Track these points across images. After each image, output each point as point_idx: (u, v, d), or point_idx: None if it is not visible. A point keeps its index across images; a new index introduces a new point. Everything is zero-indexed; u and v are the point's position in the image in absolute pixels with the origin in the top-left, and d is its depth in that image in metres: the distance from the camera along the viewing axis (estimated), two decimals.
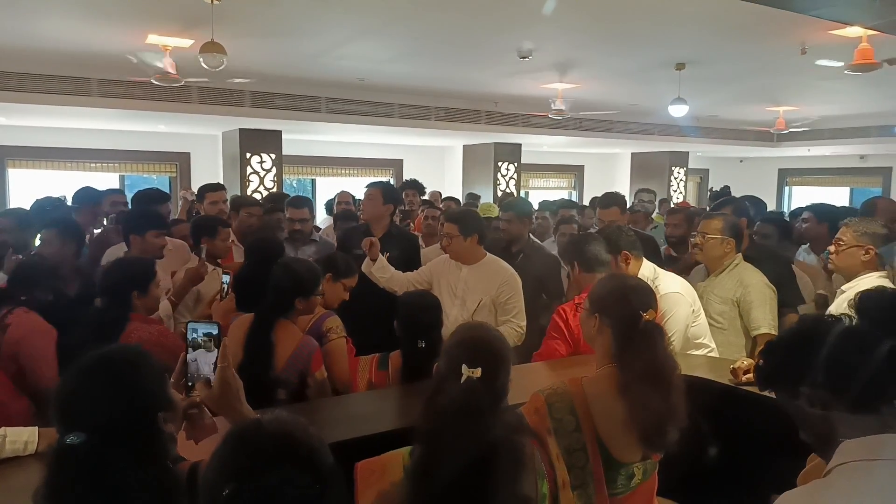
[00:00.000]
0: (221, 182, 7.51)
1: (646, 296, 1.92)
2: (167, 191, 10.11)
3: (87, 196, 4.97)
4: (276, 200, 5.40)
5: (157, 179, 10.30)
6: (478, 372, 1.49)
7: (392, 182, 12.00)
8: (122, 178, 9.94)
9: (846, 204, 14.05)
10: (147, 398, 1.30)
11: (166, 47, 5.71)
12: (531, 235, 4.69)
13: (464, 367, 1.48)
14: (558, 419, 1.79)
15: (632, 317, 1.85)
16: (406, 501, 1.40)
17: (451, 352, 1.60)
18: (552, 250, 4.78)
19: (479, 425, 1.41)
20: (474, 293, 3.37)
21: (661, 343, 1.88)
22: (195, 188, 9.46)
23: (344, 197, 6.32)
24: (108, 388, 1.27)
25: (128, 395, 1.27)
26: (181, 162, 10.19)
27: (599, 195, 5.43)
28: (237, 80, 5.41)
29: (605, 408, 1.81)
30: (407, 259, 4.12)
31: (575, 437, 1.78)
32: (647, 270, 3.19)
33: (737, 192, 8.57)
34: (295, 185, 11.60)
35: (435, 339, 2.60)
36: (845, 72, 5.64)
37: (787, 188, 15.24)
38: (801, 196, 14.56)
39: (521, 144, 11.25)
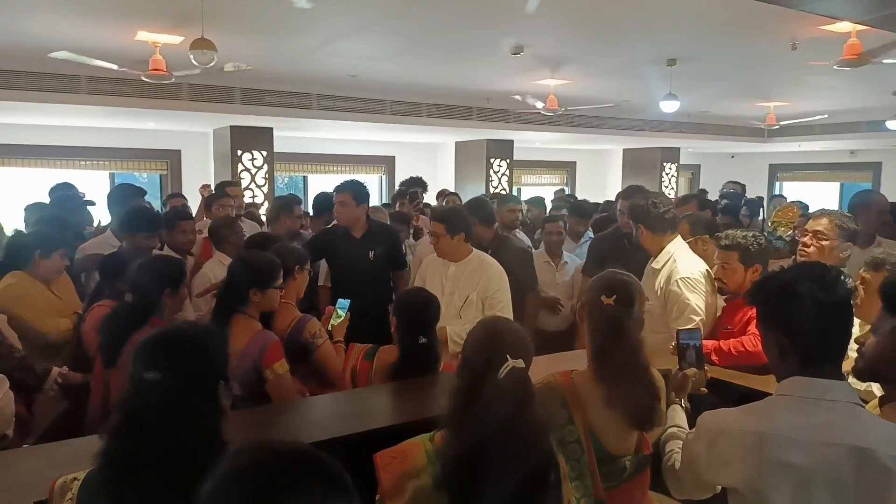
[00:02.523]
0: (213, 180, 7.49)
1: (612, 283, 1.94)
2: (158, 189, 10.10)
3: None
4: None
5: (148, 177, 10.25)
6: (521, 363, 1.55)
7: (385, 179, 12.01)
8: (112, 176, 9.88)
9: (836, 199, 14.17)
10: (219, 365, 1.50)
11: (156, 44, 5.68)
12: (499, 230, 4.58)
13: (508, 357, 1.55)
14: (551, 413, 1.80)
15: (598, 304, 1.89)
16: (444, 488, 1.50)
17: (487, 344, 1.62)
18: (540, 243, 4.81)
19: (530, 413, 1.53)
20: (463, 289, 3.40)
21: (628, 327, 1.88)
22: (185, 186, 9.50)
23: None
24: (194, 344, 1.47)
25: (207, 356, 1.47)
26: (172, 159, 10.14)
27: (624, 188, 5.50)
28: (229, 65, 5.23)
29: (596, 400, 1.83)
30: (391, 253, 4.10)
31: (568, 430, 1.80)
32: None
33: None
34: (286, 182, 11.57)
35: (432, 335, 2.61)
36: (834, 67, 5.66)
37: (777, 183, 15.33)
38: (792, 191, 14.64)
39: (513, 141, 11.25)
